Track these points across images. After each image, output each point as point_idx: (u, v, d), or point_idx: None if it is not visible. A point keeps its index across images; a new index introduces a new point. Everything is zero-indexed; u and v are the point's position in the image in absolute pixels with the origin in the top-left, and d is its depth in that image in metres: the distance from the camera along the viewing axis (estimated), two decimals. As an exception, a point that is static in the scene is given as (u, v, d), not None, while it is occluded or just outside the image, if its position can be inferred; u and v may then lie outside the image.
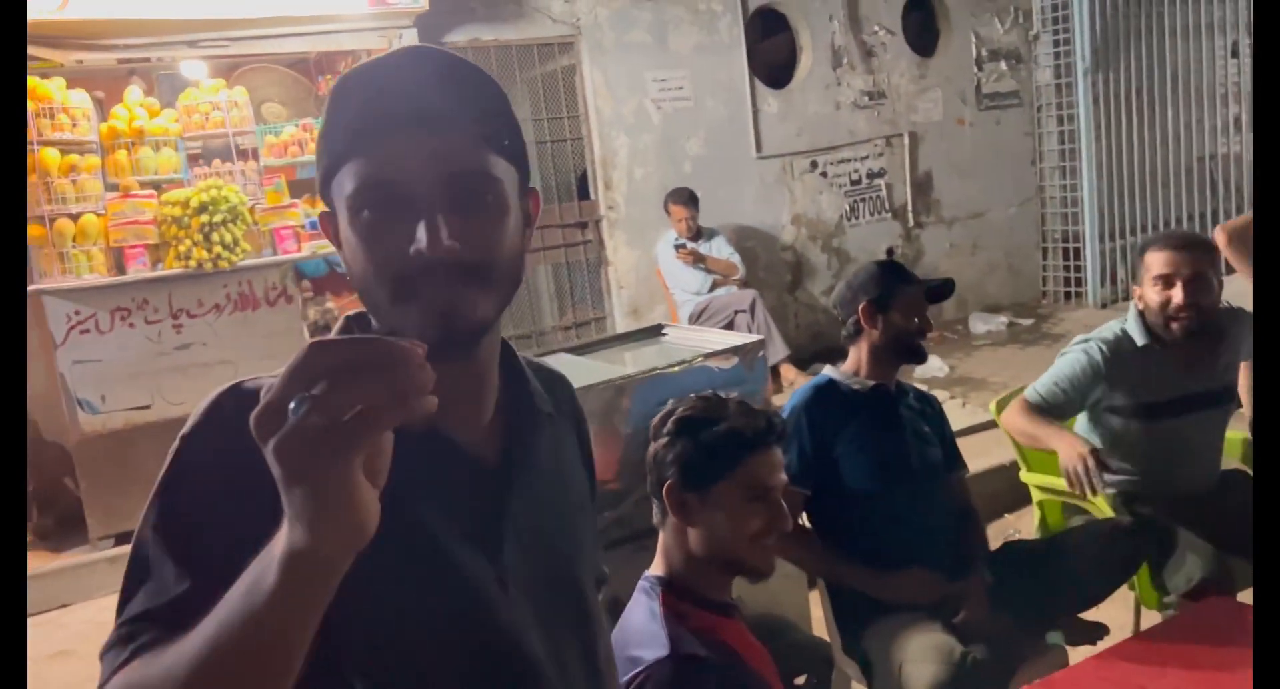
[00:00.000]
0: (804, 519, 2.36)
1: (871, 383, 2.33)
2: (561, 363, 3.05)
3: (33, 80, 4.36)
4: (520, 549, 0.91)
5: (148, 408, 4.34)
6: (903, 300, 2.32)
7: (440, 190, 0.81)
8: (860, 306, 2.33)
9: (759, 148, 6.36)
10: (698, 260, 5.62)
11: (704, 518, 1.61)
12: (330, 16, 4.75)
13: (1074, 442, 2.34)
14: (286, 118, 5.44)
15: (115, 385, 4.29)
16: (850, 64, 6.62)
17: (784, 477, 1.66)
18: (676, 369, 2.75)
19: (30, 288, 4.27)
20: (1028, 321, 6.77)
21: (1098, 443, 2.46)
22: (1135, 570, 2.33)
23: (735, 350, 2.83)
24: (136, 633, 0.75)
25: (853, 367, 2.38)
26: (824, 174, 6.64)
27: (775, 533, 1.61)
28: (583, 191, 6.02)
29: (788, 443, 2.32)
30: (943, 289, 2.39)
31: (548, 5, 5.67)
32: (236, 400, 0.83)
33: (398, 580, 0.82)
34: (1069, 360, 2.55)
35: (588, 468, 1.11)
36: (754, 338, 2.94)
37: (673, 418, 1.68)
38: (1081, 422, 2.66)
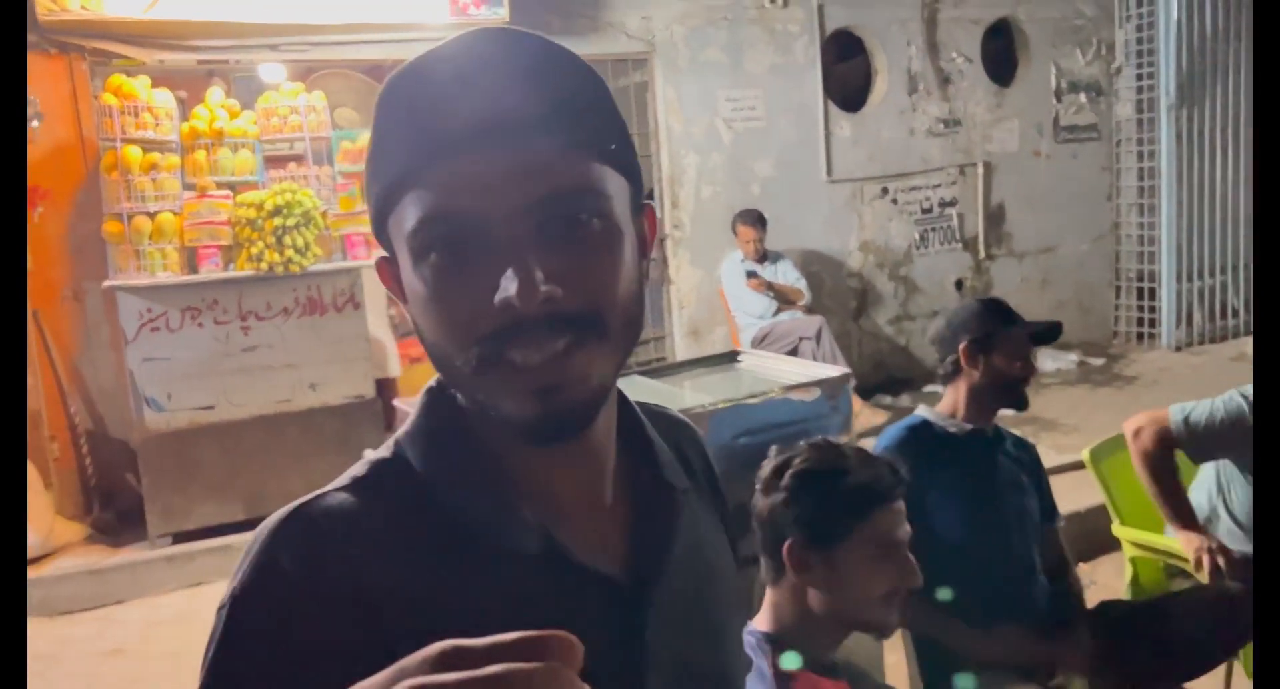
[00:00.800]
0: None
1: (969, 426, 2.23)
2: (635, 386, 2.98)
3: (119, 78, 4.41)
4: (661, 682, 0.70)
5: (212, 409, 4.34)
6: (1006, 342, 2.21)
7: (531, 219, 0.61)
8: (961, 346, 2.23)
9: (829, 171, 6.26)
10: (766, 288, 5.54)
11: (828, 577, 1.50)
12: (410, 25, 4.75)
13: (1199, 539, 2.23)
14: (360, 124, 5.46)
15: (181, 384, 4.30)
16: (926, 90, 6.51)
17: (909, 528, 1.56)
18: (755, 400, 2.67)
19: (105, 284, 4.31)
20: (1099, 362, 6.58)
21: (1216, 497, 2.33)
22: (1248, 641, 2.20)
23: (819, 383, 2.74)
24: None
25: (949, 408, 2.28)
26: (895, 201, 6.52)
27: (905, 591, 1.51)
28: (649, 209, 5.95)
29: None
30: (1049, 333, 2.28)
31: (623, 21, 5.64)
32: (299, 537, 0.63)
33: None
34: (1237, 405, 2.39)
35: (729, 529, 0.88)
36: (839, 370, 2.85)
37: (790, 472, 1.56)
38: (1208, 473, 2.51)
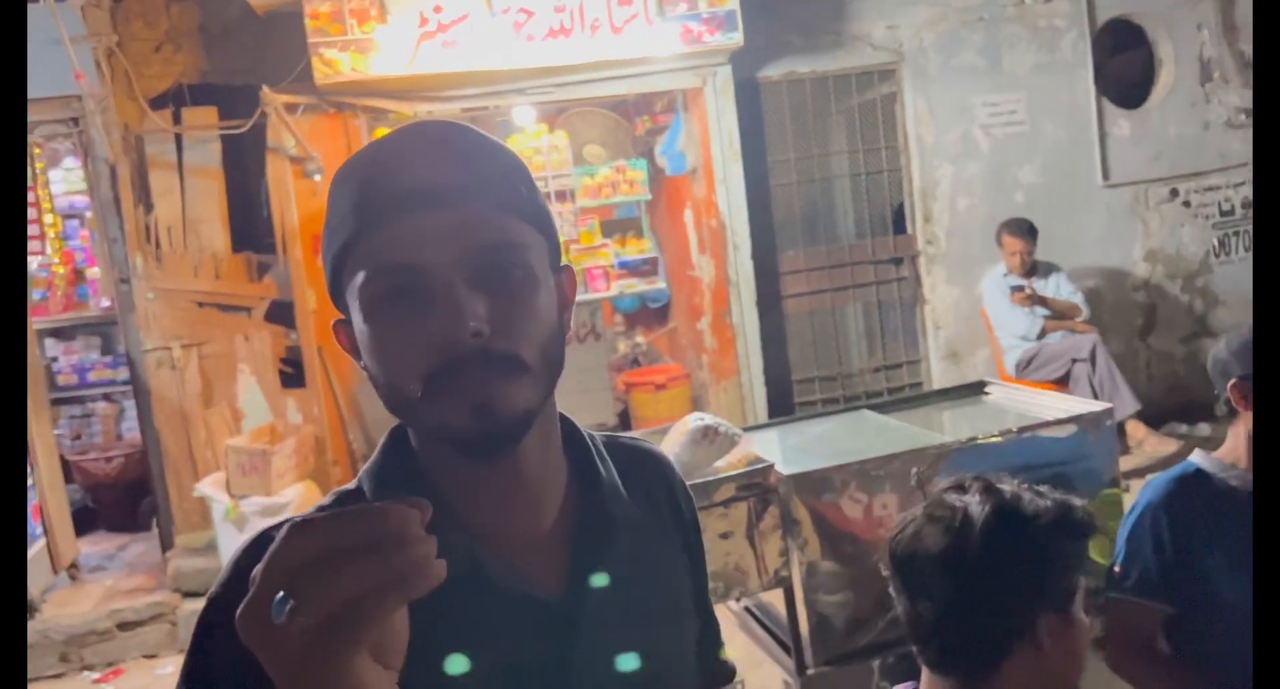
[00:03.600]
0: (1162, 642, 1.92)
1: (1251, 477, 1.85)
2: (864, 422, 2.78)
3: (382, 131, 4.79)
4: None
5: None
6: None
7: (461, 269, 0.71)
8: (1230, 383, 1.85)
9: (1106, 175, 5.66)
10: (1036, 302, 5.05)
11: (1076, 645, 1.24)
12: (646, 59, 4.81)
13: None
14: (606, 158, 5.61)
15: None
16: (1223, 77, 5.73)
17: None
18: (1000, 439, 2.39)
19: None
20: None
21: None
22: None
23: (1075, 419, 2.42)
24: None
25: (1229, 454, 1.91)
26: (1186, 204, 5.78)
27: None
28: (899, 225, 5.66)
29: (1139, 545, 1.91)
30: None
31: (868, 33, 5.41)
32: (258, 553, 0.70)
33: None
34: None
35: (693, 560, 0.93)
36: (1099, 405, 2.51)
37: (1023, 516, 1.22)
38: None
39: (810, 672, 2.25)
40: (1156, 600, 1.84)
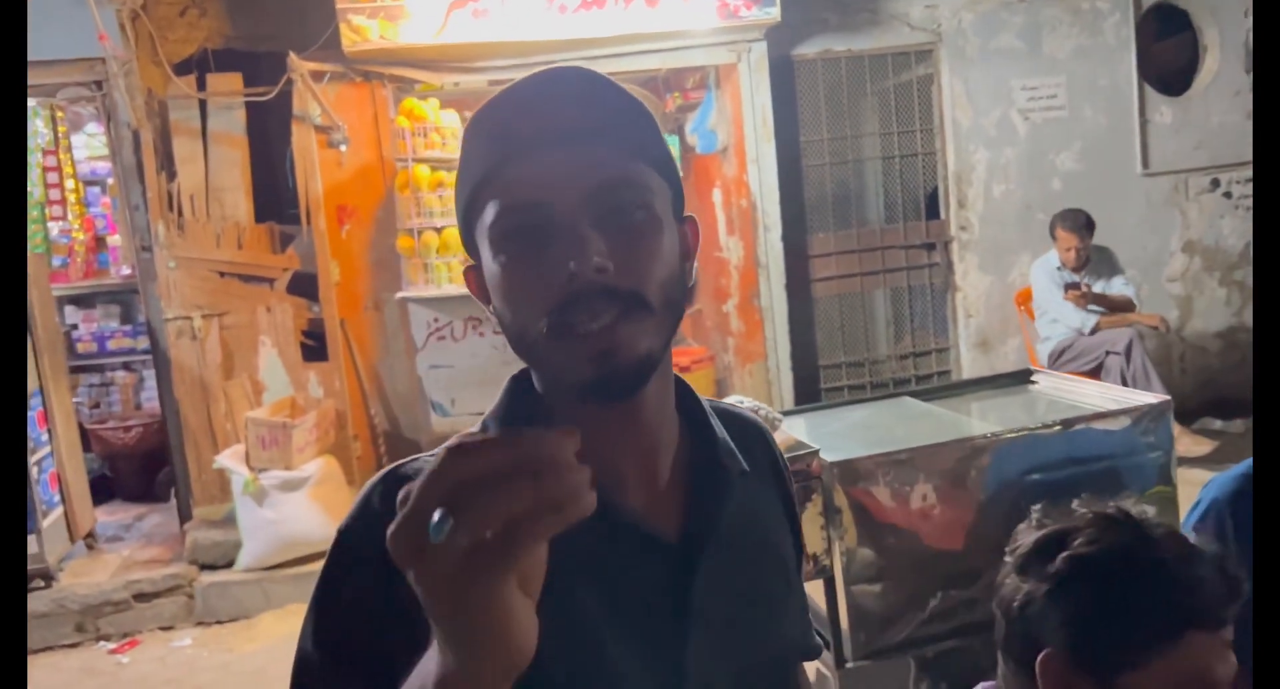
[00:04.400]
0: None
1: None
2: (905, 409, 2.70)
3: (411, 101, 4.71)
4: (707, 641, 0.79)
5: (489, 414, 4.51)
6: None
7: (586, 207, 0.72)
8: None
9: (1145, 163, 5.53)
10: (1091, 301, 4.91)
11: None
12: (681, 32, 4.71)
13: None
14: (633, 134, 5.50)
15: (464, 391, 4.51)
16: (1271, 64, 5.58)
17: (1235, 663, 1.08)
18: (1050, 431, 2.31)
19: (398, 295, 4.61)
20: None
21: None
22: None
23: (1130, 411, 2.33)
24: None
25: None
26: (1228, 194, 5.65)
27: None
28: (931, 210, 5.55)
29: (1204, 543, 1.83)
30: None
31: (906, 12, 5.28)
32: (389, 488, 0.77)
33: (559, 675, 0.72)
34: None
35: (793, 530, 0.95)
36: (1158, 397, 2.41)
37: (1066, 553, 1.10)
38: None
39: (849, 665, 2.18)
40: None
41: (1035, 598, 1.11)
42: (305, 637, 0.76)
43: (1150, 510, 1.15)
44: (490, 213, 0.74)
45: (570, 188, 0.72)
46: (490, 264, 0.76)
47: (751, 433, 0.94)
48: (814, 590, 2.24)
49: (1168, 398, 2.40)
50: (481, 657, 0.54)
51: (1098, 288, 4.96)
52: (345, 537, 0.77)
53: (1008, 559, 1.18)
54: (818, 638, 0.96)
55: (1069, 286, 4.92)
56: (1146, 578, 1.07)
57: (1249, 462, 1.86)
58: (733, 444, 0.87)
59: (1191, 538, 1.82)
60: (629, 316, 0.72)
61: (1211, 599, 1.06)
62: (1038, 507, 1.21)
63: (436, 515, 0.50)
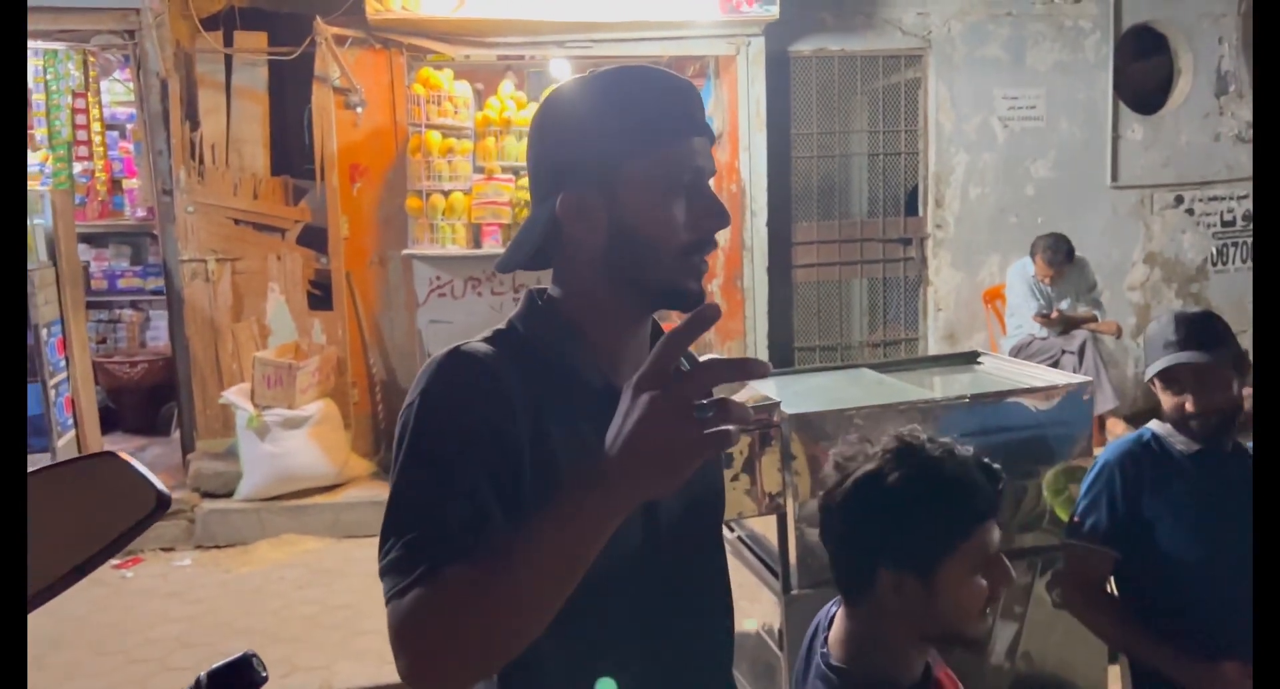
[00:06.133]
0: (1111, 585, 2.16)
1: (1197, 445, 2.07)
2: (862, 378, 3.00)
3: (428, 70, 4.96)
4: (677, 501, 1.05)
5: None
6: (1171, 377, 2.02)
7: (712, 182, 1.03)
8: (1149, 378, 2.10)
9: (1115, 176, 5.86)
10: (1058, 324, 5.26)
11: (924, 601, 1.30)
12: (684, 23, 4.98)
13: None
14: (634, 116, 5.77)
15: (458, 346, 4.77)
16: (1238, 92, 5.91)
17: (999, 532, 1.33)
18: (987, 401, 2.62)
19: (404, 252, 4.88)
20: None
21: None
22: None
23: (1055, 389, 2.65)
24: (415, 554, 0.85)
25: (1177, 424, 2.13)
26: (1190, 211, 5.99)
27: (1001, 597, 1.36)
28: (910, 207, 5.86)
29: (1095, 498, 2.14)
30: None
31: (899, 18, 5.57)
32: (459, 362, 0.98)
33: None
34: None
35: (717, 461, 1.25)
36: (1081, 378, 2.73)
37: (878, 488, 1.31)
38: None
39: (794, 592, 2.49)
40: (1107, 547, 2.07)
41: (859, 525, 1.34)
42: (409, 470, 0.92)
43: (925, 433, 1.39)
44: (670, 162, 0.99)
45: (711, 167, 1.03)
46: (656, 199, 0.99)
47: (691, 361, 1.23)
48: (768, 525, 2.55)
49: (1089, 379, 2.72)
50: (652, 492, 0.77)
51: (1066, 303, 5.29)
52: (428, 399, 0.95)
53: (822, 499, 1.39)
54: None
55: (1041, 315, 5.23)
56: (938, 493, 1.30)
57: (1140, 430, 2.19)
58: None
59: (1082, 489, 2.16)
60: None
61: (988, 498, 1.31)
62: (836, 450, 1.42)
63: (703, 405, 0.75)
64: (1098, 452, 2.33)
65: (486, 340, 1.03)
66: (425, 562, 0.83)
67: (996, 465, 1.36)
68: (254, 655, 0.86)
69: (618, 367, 1.04)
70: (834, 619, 1.42)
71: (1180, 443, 2.09)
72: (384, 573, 0.86)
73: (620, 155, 0.99)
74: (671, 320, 1.21)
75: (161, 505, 0.78)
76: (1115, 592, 2.17)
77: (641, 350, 1.05)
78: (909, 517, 1.30)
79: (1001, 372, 3.04)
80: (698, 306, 0.95)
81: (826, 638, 1.41)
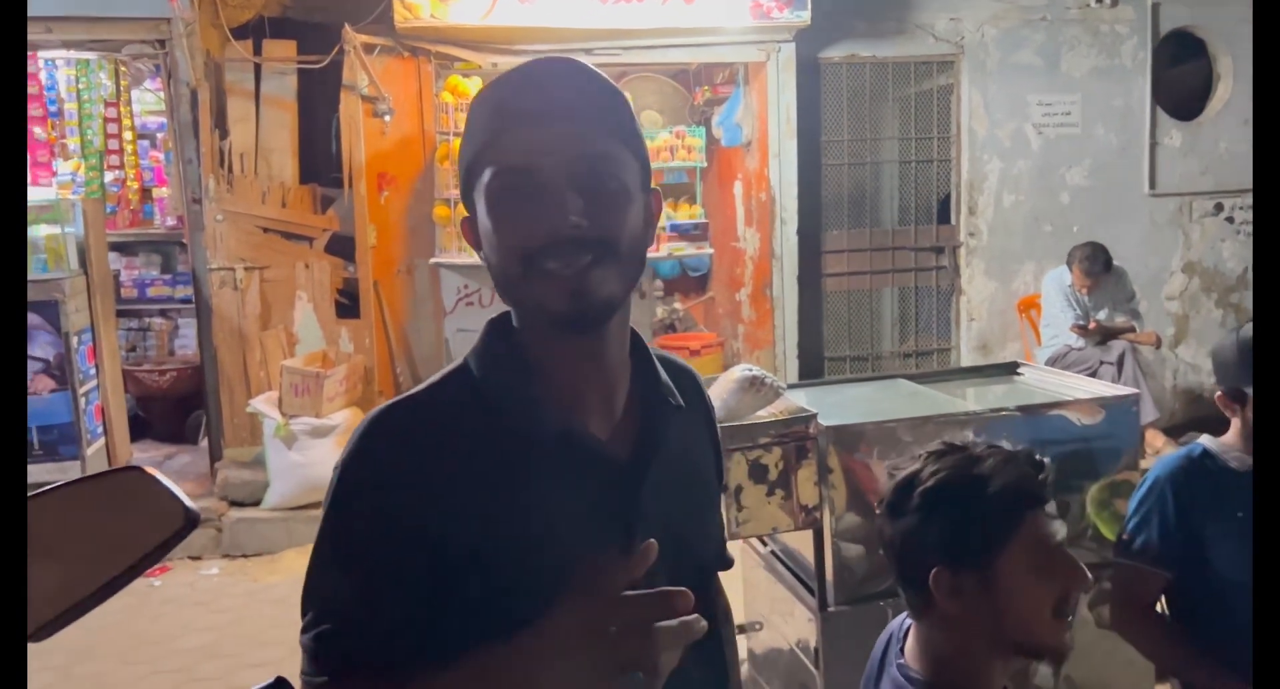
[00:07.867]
0: (1162, 605, 2.08)
1: (1250, 462, 2.00)
2: (899, 389, 2.93)
3: (456, 78, 4.95)
4: (646, 539, 0.94)
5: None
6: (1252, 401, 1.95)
7: (566, 173, 0.86)
8: (1218, 394, 2.02)
9: (1153, 184, 5.75)
10: (1095, 334, 5.15)
11: (988, 601, 1.28)
12: (714, 29, 4.93)
13: None
14: (662, 125, 5.74)
15: (485, 355, 4.75)
16: None
17: (1063, 525, 1.33)
18: (1033, 413, 2.54)
19: (431, 261, 4.86)
20: None
21: None
22: None
23: (1101, 402, 2.57)
24: (330, 648, 0.86)
25: (1234, 439, 2.05)
26: (1230, 219, 5.86)
27: (1077, 597, 1.32)
28: (943, 215, 5.78)
29: (1146, 515, 2.06)
30: None
31: (931, 23, 5.50)
32: (387, 426, 0.92)
33: (531, 571, 0.87)
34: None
35: (715, 453, 1.13)
36: (1126, 390, 2.65)
37: (921, 488, 1.33)
38: None
39: (831, 609, 2.42)
40: (1160, 566, 1.99)
41: (910, 530, 1.33)
42: (320, 548, 0.89)
43: (971, 436, 1.41)
44: (488, 174, 0.89)
45: (555, 156, 0.87)
46: (484, 216, 0.90)
47: (686, 377, 1.10)
48: (803, 540, 2.48)
49: (1136, 392, 2.63)
50: (580, 682, 0.74)
51: (1104, 314, 5.18)
52: (351, 469, 0.89)
53: (879, 511, 1.40)
54: (729, 555, 1.16)
55: (1078, 326, 5.13)
56: (985, 484, 1.30)
57: (1191, 445, 2.12)
58: (672, 385, 1.02)
59: (1131, 506, 2.09)
60: (599, 263, 0.87)
61: (1032, 483, 1.30)
62: (889, 461, 1.44)
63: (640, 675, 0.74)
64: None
65: (434, 387, 0.96)
66: (337, 662, 0.85)
67: (1042, 457, 1.33)
68: (286, 682, 0.84)
69: (580, 400, 0.95)
70: (909, 631, 1.39)
71: (1234, 459, 2.01)
72: (302, 646, 0.88)
73: (464, 161, 0.93)
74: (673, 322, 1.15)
75: (190, 523, 0.77)
76: (1166, 612, 2.10)
77: (609, 377, 0.97)
78: (955, 508, 1.30)
79: (1043, 383, 2.96)
80: (578, 328, 0.90)
81: (902, 648, 1.38)
